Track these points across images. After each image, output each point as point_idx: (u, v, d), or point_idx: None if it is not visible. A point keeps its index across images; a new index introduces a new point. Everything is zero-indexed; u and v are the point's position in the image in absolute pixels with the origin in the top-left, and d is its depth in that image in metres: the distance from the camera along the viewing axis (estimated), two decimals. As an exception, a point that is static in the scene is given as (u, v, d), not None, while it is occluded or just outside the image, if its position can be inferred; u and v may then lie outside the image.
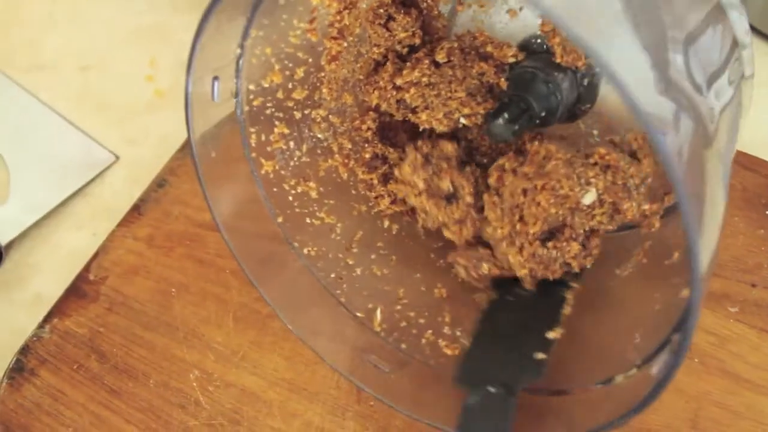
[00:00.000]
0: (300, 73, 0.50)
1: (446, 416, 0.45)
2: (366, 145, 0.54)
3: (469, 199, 0.49)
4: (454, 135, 0.52)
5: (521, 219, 0.46)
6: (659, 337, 0.36)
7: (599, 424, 0.38)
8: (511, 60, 0.48)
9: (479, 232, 0.49)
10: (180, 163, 0.64)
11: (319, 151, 0.54)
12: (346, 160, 0.54)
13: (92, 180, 0.67)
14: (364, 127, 0.53)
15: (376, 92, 0.51)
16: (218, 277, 0.57)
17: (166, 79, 0.73)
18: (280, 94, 0.50)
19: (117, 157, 0.68)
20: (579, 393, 0.43)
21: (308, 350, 0.53)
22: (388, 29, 0.49)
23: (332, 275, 0.53)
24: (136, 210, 0.62)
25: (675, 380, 0.49)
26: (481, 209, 0.49)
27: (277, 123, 0.51)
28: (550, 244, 0.46)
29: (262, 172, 0.51)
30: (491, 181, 0.48)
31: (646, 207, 0.45)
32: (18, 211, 0.64)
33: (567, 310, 0.47)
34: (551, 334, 0.45)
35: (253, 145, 0.50)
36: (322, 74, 0.51)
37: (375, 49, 0.51)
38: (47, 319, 0.57)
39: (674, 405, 0.49)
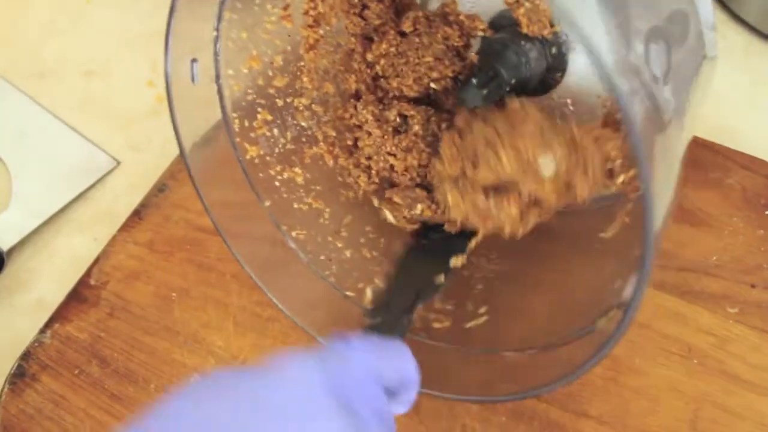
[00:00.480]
0: (279, 60, 0.51)
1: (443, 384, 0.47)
2: (348, 133, 0.55)
3: (417, 128, 0.51)
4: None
5: (474, 164, 0.47)
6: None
7: (579, 365, 0.40)
8: (481, 34, 0.50)
9: (425, 173, 0.52)
10: (180, 168, 0.64)
11: (303, 139, 0.54)
12: (330, 148, 0.55)
13: (93, 185, 0.67)
14: (347, 115, 0.54)
15: (353, 76, 0.52)
16: (218, 281, 0.58)
17: (166, 85, 0.73)
18: (260, 81, 0.51)
19: (118, 162, 0.68)
20: (565, 345, 0.44)
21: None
22: (363, 18, 0.51)
23: (321, 257, 0.54)
24: (137, 215, 0.62)
25: (674, 381, 0.50)
26: (429, 144, 0.51)
27: (259, 110, 0.52)
28: (492, 198, 0.48)
29: (247, 157, 0.52)
30: (458, 120, 0.49)
31: (627, 175, 0.46)
32: (19, 216, 0.64)
33: (473, 243, 0.50)
34: (455, 261, 0.49)
35: (237, 130, 0.51)
36: (302, 63, 0.52)
37: (352, 39, 0.52)
38: (48, 324, 0.57)
39: (674, 406, 0.49)
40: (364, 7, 0.50)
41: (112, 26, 0.79)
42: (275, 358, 0.33)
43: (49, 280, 0.62)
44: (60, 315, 0.58)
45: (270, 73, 0.51)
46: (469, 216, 0.49)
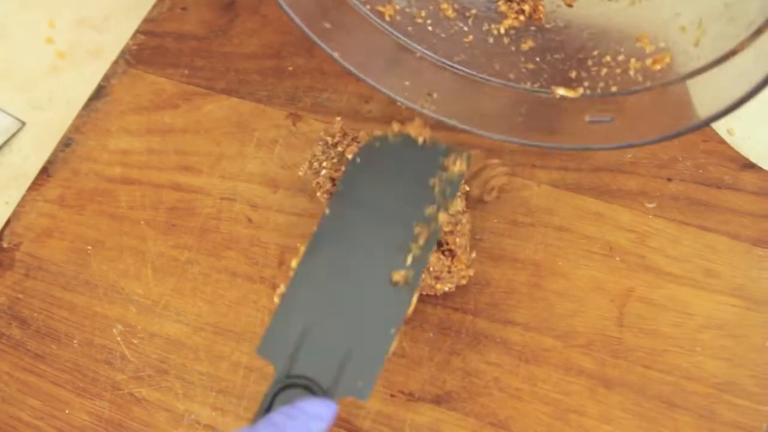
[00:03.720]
0: None
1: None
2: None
3: None
4: None
5: None
6: None
7: None
8: None
9: None
10: (85, 121, 0.62)
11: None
12: (517, 15, 0.53)
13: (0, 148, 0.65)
14: None
15: None
16: (133, 230, 0.56)
17: (66, 40, 0.70)
18: None
19: (23, 123, 0.66)
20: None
21: (230, 292, 0.52)
22: None
23: None
24: (45, 172, 0.60)
25: (597, 280, 0.50)
26: None
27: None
28: None
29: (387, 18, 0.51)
30: None
31: None
32: (-76, 188, 0.62)
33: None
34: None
35: None
36: None
37: None
38: (-37, 292, 0.56)
39: (598, 305, 0.49)
40: None
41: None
42: None
43: (-38, 249, 0.60)
44: (-26, 282, 0.56)
45: None
46: None
